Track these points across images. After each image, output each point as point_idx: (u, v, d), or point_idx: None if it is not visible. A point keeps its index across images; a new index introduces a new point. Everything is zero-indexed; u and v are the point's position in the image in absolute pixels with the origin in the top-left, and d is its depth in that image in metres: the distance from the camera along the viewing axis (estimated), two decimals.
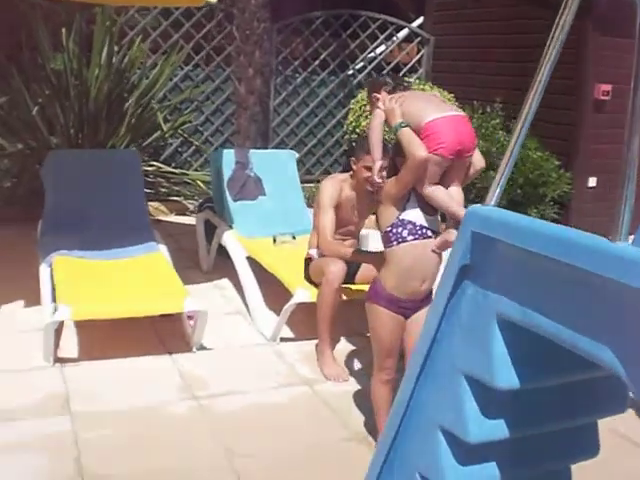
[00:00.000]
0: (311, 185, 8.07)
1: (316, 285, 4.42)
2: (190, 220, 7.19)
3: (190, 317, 4.48)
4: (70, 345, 4.37)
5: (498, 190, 1.83)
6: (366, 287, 4.50)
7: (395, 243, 3.16)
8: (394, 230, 3.16)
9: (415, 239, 3.14)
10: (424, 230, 3.16)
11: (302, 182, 6.37)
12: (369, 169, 4.32)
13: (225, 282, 5.70)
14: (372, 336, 3.37)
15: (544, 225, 1.69)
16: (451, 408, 1.99)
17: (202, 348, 4.47)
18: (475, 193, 6.73)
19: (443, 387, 2.03)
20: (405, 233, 3.14)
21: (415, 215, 3.17)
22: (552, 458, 2.18)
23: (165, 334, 4.59)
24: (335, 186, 4.45)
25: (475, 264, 1.89)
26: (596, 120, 7.70)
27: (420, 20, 9.81)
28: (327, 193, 4.42)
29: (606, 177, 7.95)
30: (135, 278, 4.65)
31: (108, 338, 4.44)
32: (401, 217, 3.16)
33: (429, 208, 3.20)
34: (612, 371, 1.54)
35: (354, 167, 4.39)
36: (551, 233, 1.64)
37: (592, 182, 7.90)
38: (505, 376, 1.84)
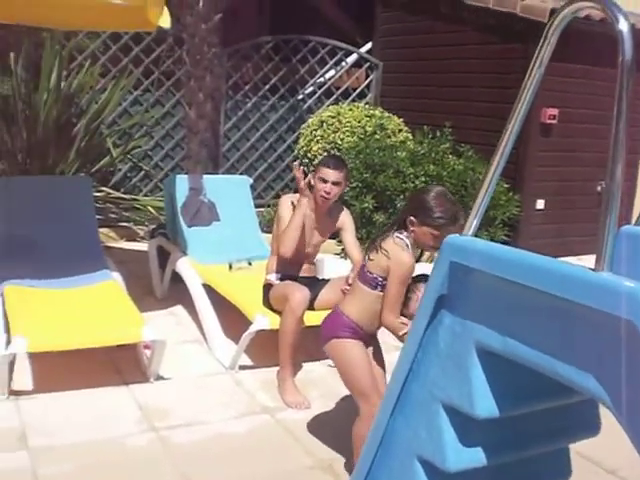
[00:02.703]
0: (262, 210, 8.07)
1: (275, 311, 4.39)
2: (141, 246, 7.10)
3: (146, 347, 4.41)
4: (24, 377, 4.26)
5: (476, 221, 1.85)
6: (327, 313, 4.54)
7: (377, 289, 3.16)
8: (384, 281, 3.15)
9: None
10: None
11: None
12: (323, 181, 4.35)
13: (180, 309, 5.64)
14: (347, 377, 3.30)
15: (524, 255, 1.71)
16: (429, 437, 1.99)
17: (160, 378, 4.39)
18: None
19: (420, 416, 2.03)
20: None
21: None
22: None
23: (121, 364, 4.51)
24: (294, 201, 4.43)
25: (453, 294, 1.91)
26: (543, 143, 7.87)
27: (369, 45, 9.92)
28: (287, 206, 4.41)
29: (553, 199, 8.12)
30: (91, 307, 4.56)
31: (63, 369, 4.34)
32: None
33: None
34: (595, 398, 1.56)
35: (311, 180, 4.37)
36: (532, 263, 1.66)
37: (540, 204, 8.06)
38: (485, 404, 1.85)
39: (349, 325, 3.22)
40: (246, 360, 4.69)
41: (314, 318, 4.43)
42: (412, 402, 2.07)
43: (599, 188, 8.34)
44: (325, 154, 8.13)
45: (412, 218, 3.09)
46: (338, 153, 8.02)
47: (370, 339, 3.33)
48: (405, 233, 3.13)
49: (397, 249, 3.08)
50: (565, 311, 1.57)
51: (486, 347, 1.81)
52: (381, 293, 3.15)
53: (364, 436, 3.05)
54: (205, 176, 6.09)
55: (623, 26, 1.49)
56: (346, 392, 4.38)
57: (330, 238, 4.91)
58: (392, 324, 3.11)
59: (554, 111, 7.73)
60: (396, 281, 3.07)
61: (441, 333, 1.95)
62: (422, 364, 2.01)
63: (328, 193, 4.35)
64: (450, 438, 1.95)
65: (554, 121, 7.78)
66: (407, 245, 3.10)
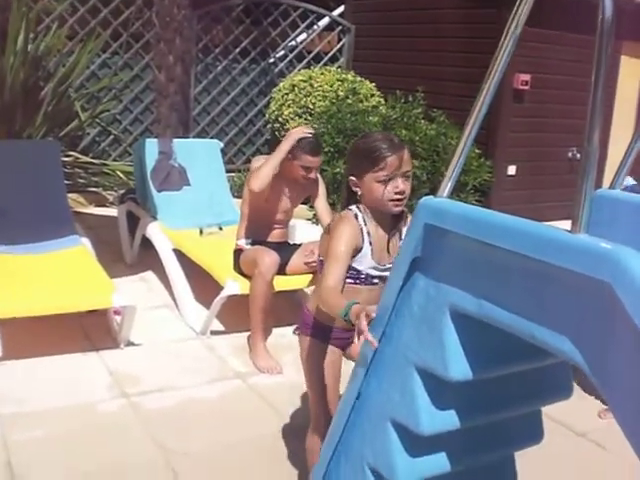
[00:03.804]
0: (233, 175, 8.00)
1: (246, 276, 4.37)
2: (110, 212, 7.02)
3: (117, 312, 4.37)
4: None
5: (450, 182, 1.83)
6: (297, 278, 4.53)
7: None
8: None
9: (355, 284, 2.60)
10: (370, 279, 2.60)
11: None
12: (306, 168, 4.34)
13: (151, 275, 5.59)
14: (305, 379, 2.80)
15: (499, 216, 1.69)
16: (402, 401, 1.98)
17: (130, 344, 4.36)
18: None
19: (394, 380, 2.02)
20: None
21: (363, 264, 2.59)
22: (501, 446, 2.21)
23: (91, 330, 4.47)
24: None
25: (427, 256, 1.89)
26: (515, 109, 7.86)
27: (341, 9, 9.81)
28: (261, 163, 4.37)
29: (525, 165, 8.14)
30: (59, 273, 4.50)
31: (32, 336, 4.28)
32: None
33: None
34: (570, 361, 1.55)
35: (288, 164, 4.34)
36: (507, 224, 1.64)
37: (511, 170, 8.08)
38: (459, 367, 1.84)
39: (308, 321, 2.73)
40: (217, 325, 4.67)
41: (285, 283, 4.43)
42: (385, 366, 2.06)
43: (570, 154, 8.37)
44: (296, 118, 8.08)
45: (352, 178, 2.57)
46: (310, 118, 7.97)
47: (348, 335, 2.71)
48: (355, 206, 2.59)
49: (339, 220, 2.55)
50: (541, 273, 1.56)
51: (460, 310, 1.80)
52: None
53: (313, 451, 2.68)
54: (175, 140, 6.02)
55: None
56: None
57: (302, 203, 4.88)
58: (326, 298, 2.38)
59: (526, 77, 7.71)
60: (328, 253, 2.48)
61: (415, 296, 1.93)
62: (395, 327, 2.00)
63: (310, 176, 4.40)
64: (423, 401, 1.94)
65: (526, 87, 7.77)
66: (356, 215, 2.54)
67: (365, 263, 2.55)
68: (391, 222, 2.63)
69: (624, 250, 1.41)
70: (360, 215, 2.56)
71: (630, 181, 4.10)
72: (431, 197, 1.87)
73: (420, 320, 1.92)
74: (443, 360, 1.84)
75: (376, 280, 2.58)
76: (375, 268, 2.56)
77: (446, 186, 1.83)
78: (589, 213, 1.47)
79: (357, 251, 2.52)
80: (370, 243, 2.53)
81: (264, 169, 4.25)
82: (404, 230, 2.61)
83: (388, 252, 2.59)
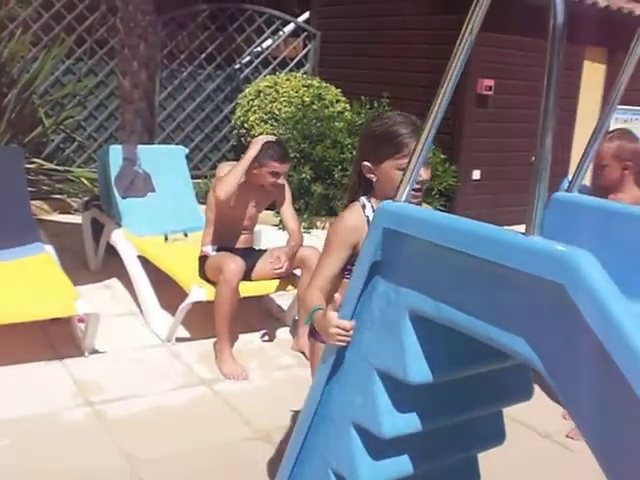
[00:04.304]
0: (199, 181, 7.98)
1: (212, 283, 4.36)
2: (75, 219, 6.97)
3: (81, 320, 4.33)
4: None
5: (408, 187, 1.84)
6: (263, 284, 4.53)
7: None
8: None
9: None
10: None
11: (190, 178, 6.26)
12: (274, 174, 4.35)
13: (115, 282, 5.55)
14: None
15: (455, 220, 1.71)
16: (364, 404, 1.99)
17: (95, 352, 4.33)
18: None
19: (355, 384, 2.03)
20: None
21: None
22: (463, 448, 2.22)
23: (55, 338, 4.42)
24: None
25: (386, 260, 1.90)
26: (479, 114, 7.94)
27: (306, 15, 9.84)
28: (227, 170, 4.37)
29: (489, 170, 8.22)
30: (23, 281, 4.45)
31: None
32: None
33: None
34: (527, 362, 1.57)
35: (255, 171, 4.35)
36: (463, 228, 1.66)
37: (476, 175, 8.16)
38: (418, 370, 1.85)
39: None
40: (183, 332, 4.65)
41: (250, 289, 4.42)
42: (347, 369, 2.07)
43: (532, 159, 8.45)
44: (262, 124, 8.09)
45: (366, 164, 2.41)
46: (275, 124, 7.98)
47: None
48: (365, 197, 2.46)
49: (344, 212, 2.45)
50: (497, 275, 1.58)
51: (420, 313, 1.81)
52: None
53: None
54: (140, 146, 5.99)
55: None
56: (283, 363, 4.41)
57: (268, 209, 4.88)
58: (304, 298, 2.34)
59: (490, 82, 7.80)
60: (324, 247, 2.39)
61: (375, 300, 1.95)
62: (357, 331, 2.00)
63: (278, 182, 4.43)
64: (385, 404, 1.95)
65: (490, 92, 7.85)
66: (364, 206, 2.41)
67: None
68: None
69: (577, 252, 1.43)
70: (368, 205, 2.40)
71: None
72: (389, 201, 1.89)
73: (381, 324, 1.94)
74: (403, 363, 1.85)
75: None
76: None
77: (404, 191, 1.85)
78: (542, 215, 1.49)
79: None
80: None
81: (230, 176, 4.25)
82: None
83: None
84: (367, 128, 2.50)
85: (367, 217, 2.36)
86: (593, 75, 8.91)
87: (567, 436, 3.63)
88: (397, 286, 1.87)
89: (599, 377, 1.44)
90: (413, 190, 2.20)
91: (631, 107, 9.09)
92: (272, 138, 4.52)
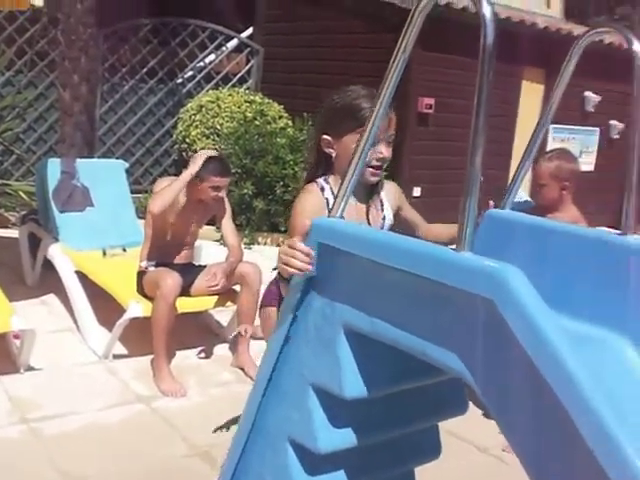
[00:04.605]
0: (140, 196, 7.90)
1: (150, 298, 4.31)
2: (12, 233, 6.82)
3: (16, 336, 4.25)
4: None
5: (343, 202, 1.85)
6: (202, 299, 4.50)
7: None
8: None
9: None
10: None
11: (131, 192, 6.21)
12: (215, 189, 4.34)
13: (52, 298, 5.46)
14: None
15: (388, 236, 1.72)
16: (300, 420, 1.99)
17: (30, 369, 4.25)
18: None
19: (291, 399, 2.03)
20: None
21: None
22: (399, 462, 2.23)
23: None
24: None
25: (322, 276, 1.90)
26: (420, 132, 8.04)
27: (250, 31, 9.85)
28: (165, 185, 4.36)
29: (429, 187, 8.31)
30: None
31: None
32: None
33: None
34: (460, 377, 1.58)
35: (196, 187, 4.34)
36: (395, 244, 1.67)
37: (417, 192, 8.23)
38: (353, 385, 1.85)
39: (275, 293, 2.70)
40: (120, 349, 4.60)
41: (189, 304, 4.40)
42: (283, 385, 2.06)
43: (481, 178, 8.57)
44: (204, 138, 8.06)
45: (326, 137, 2.32)
46: (217, 139, 7.96)
47: None
48: (322, 178, 2.37)
49: (300, 194, 2.36)
50: (429, 291, 1.59)
51: (355, 328, 1.82)
52: None
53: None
54: (79, 160, 5.92)
55: (486, 10, 1.51)
56: (222, 379, 4.38)
57: (209, 224, 4.86)
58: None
59: (430, 100, 7.90)
60: (290, 230, 2.30)
61: (311, 316, 1.94)
62: (293, 346, 2.00)
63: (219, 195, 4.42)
64: (320, 420, 1.94)
65: (430, 110, 7.96)
66: (322, 188, 2.33)
67: None
68: (366, 190, 2.39)
69: (506, 268, 1.45)
70: (327, 187, 2.32)
71: (524, 196, 4.20)
72: (324, 217, 1.89)
73: (317, 340, 1.93)
74: (338, 379, 1.85)
75: None
76: None
77: (339, 206, 1.86)
78: (473, 231, 1.51)
79: None
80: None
81: (166, 192, 4.24)
82: (384, 197, 2.47)
83: (369, 223, 2.39)
84: (330, 100, 2.40)
85: (326, 199, 2.29)
86: (532, 95, 9.09)
87: (503, 450, 3.67)
88: (332, 302, 1.87)
89: (529, 392, 1.46)
90: (372, 167, 2.27)
91: (567, 126, 9.34)
92: (213, 153, 4.51)
